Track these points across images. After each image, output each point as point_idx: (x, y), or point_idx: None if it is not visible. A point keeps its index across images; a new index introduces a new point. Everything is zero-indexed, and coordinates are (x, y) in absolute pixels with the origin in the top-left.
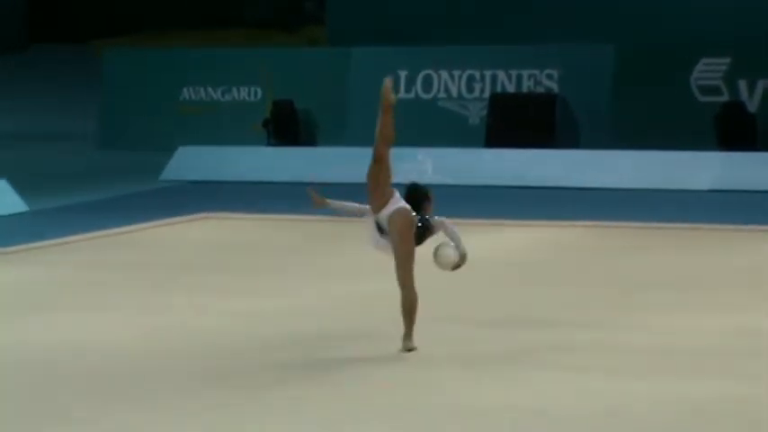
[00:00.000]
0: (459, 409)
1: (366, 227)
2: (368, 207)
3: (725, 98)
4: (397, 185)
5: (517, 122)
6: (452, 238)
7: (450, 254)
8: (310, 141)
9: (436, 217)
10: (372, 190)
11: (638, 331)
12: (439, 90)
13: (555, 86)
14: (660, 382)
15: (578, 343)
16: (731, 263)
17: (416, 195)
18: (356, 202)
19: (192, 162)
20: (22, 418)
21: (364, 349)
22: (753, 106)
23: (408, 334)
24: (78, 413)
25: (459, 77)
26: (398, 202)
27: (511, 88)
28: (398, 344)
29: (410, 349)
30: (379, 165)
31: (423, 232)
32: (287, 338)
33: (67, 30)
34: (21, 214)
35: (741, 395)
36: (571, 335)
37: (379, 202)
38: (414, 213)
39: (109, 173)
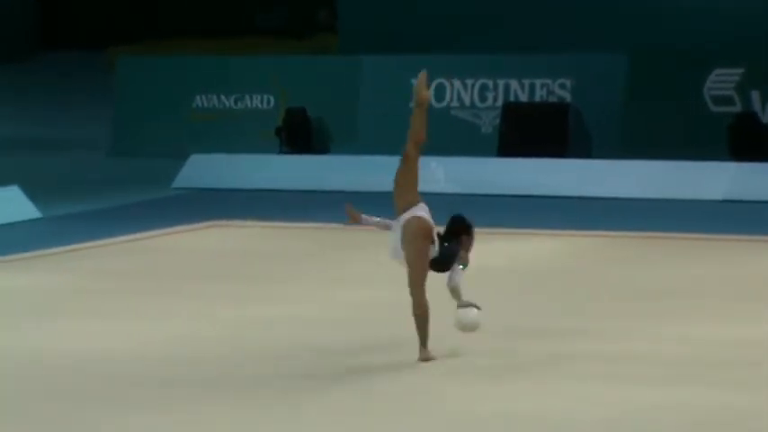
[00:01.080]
0: (461, 417)
1: (390, 237)
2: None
3: (738, 108)
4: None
5: (530, 132)
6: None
7: (472, 316)
8: (323, 149)
9: (460, 267)
10: (397, 192)
11: (646, 341)
12: (452, 99)
13: (568, 96)
14: (663, 391)
15: (584, 352)
16: (742, 273)
17: (457, 227)
18: (371, 211)
19: (205, 170)
20: (28, 422)
21: (374, 357)
22: (766, 117)
23: (422, 343)
24: (83, 418)
25: (472, 86)
26: (420, 211)
27: (524, 97)
28: (409, 353)
29: (426, 359)
30: (406, 164)
31: (444, 260)
32: (298, 347)
33: (81, 37)
34: (33, 221)
35: (743, 406)
36: (578, 344)
37: (400, 204)
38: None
39: (121, 180)
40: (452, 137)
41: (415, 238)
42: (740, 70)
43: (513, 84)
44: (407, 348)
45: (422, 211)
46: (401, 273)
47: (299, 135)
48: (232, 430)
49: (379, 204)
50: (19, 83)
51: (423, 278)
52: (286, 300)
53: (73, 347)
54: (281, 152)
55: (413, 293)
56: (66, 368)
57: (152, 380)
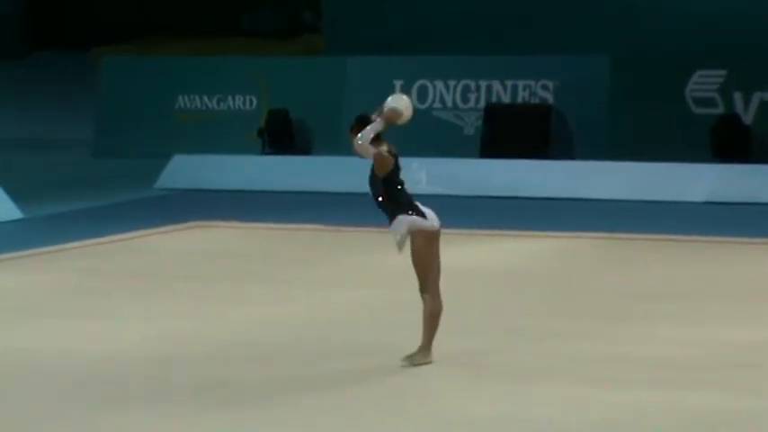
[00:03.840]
0: (454, 419)
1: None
2: None
3: (720, 110)
4: None
5: (512, 133)
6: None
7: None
8: (305, 150)
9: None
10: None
11: (634, 342)
12: (434, 100)
13: (550, 97)
14: (658, 393)
15: (575, 354)
16: (726, 275)
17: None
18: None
19: (187, 170)
20: (16, 422)
21: (364, 358)
22: (748, 118)
23: (426, 346)
24: (73, 417)
25: (455, 87)
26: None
27: (506, 99)
28: (400, 353)
29: (424, 362)
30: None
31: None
32: (282, 347)
33: (70, 37)
34: (15, 221)
35: (741, 408)
36: (568, 345)
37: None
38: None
39: (104, 180)
40: (434, 138)
41: (422, 247)
42: (723, 72)
43: (496, 85)
44: (395, 350)
45: (421, 217)
46: (388, 273)
47: (282, 136)
48: (218, 430)
49: (362, 205)
50: (4, 83)
51: (434, 275)
52: (270, 300)
53: (57, 347)
54: (264, 153)
55: (426, 295)
56: (50, 367)
57: (136, 379)
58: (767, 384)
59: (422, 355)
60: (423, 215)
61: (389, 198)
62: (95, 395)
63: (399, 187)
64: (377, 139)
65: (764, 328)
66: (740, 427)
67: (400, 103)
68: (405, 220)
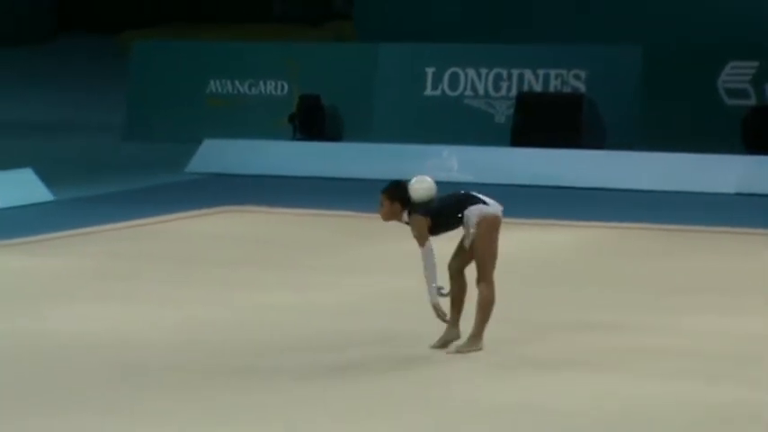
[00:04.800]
0: (479, 406)
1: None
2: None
3: (752, 102)
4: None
5: (543, 122)
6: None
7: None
8: (336, 137)
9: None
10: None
11: (662, 334)
12: (465, 88)
13: (582, 87)
14: (680, 385)
15: (599, 344)
16: (757, 267)
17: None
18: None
19: (218, 155)
20: (44, 405)
21: (389, 345)
22: None
23: (476, 334)
24: (101, 402)
25: (487, 76)
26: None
27: (538, 88)
28: (423, 341)
29: (476, 349)
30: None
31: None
32: (309, 333)
33: (96, 20)
34: (46, 204)
35: (762, 400)
36: (593, 336)
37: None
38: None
39: (134, 164)
40: (466, 126)
41: (484, 234)
42: (755, 63)
43: (528, 74)
44: (420, 339)
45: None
46: (414, 261)
47: (313, 122)
48: (247, 416)
49: None
50: (34, 66)
51: (491, 269)
52: (298, 286)
53: (81, 329)
54: (295, 139)
55: (483, 284)
56: (72, 351)
57: (161, 365)
58: None
59: (471, 344)
60: (484, 203)
61: (449, 224)
62: (116, 379)
63: (445, 214)
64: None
65: None
66: (758, 421)
67: (419, 193)
68: (473, 212)
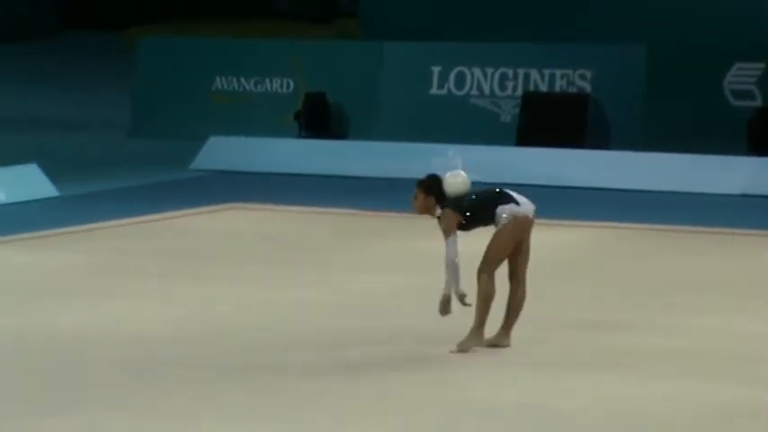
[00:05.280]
0: (481, 405)
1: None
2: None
3: (758, 103)
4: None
5: (549, 122)
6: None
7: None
8: (341, 134)
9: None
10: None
11: (663, 334)
12: (471, 87)
13: (587, 86)
14: (681, 384)
15: (601, 344)
16: (759, 267)
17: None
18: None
19: (223, 152)
20: (46, 402)
21: (391, 344)
22: None
23: (476, 329)
24: (102, 398)
25: (492, 75)
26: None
27: (543, 87)
28: (425, 340)
29: (476, 346)
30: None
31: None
32: (312, 331)
33: (100, 16)
34: (51, 199)
35: (762, 400)
36: (594, 336)
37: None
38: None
39: (139, 160)
40: (471, 125)
41: (503, 232)
42: (761, 65)
43: (533, 73)
44: (423, 337)
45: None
46: (416, 259)
47: (318, 120)
48: (248, 414)
49: (397, 191)
50: (39, 62)
51: (497, 264)
52: (302, 284)
53: (85, 324)
54: (300, 136)
55: (484, 276)
56: (76, 346)
57: (164, 361)
58: None
59: (471, 339)
60: (516, 203)
61: (480, 220)
62: (117, 375)
63: (477, 211)
64: (434, 204)
65: None
66: (760, 421)
67: (453, 187)
68: (505, 211)
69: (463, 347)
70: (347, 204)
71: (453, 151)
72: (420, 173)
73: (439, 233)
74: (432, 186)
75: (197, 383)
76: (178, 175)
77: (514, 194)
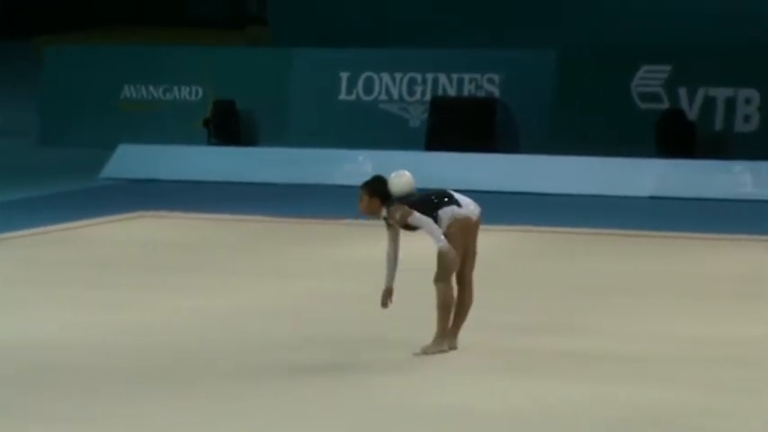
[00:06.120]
0: (400, 410)
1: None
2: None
3: (665, 105)
4: (344, 187)
5: (458, 126)
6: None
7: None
8: (251, 141)
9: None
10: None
11: (578, 335)
12: (380, 92)
13: (496, 91)
14: (607, 387)
15: (525, 347)
16: (670, 269)
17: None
18: (301, 203)
19: (133, 160)
20: None
21: (313, 348)
22: (692, 114)
23: (439, 335)
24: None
25: (401, 80)
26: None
27: (452, 92)
28: (341, 344)
29: (439, 352)
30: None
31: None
32: (233, 337)
33: (10, 26)
34: None
35: (675, 401)
36: (510, 337)
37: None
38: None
39: (49, 170)
40: (381, 130)
41: (456, 235)
42: (668, 67)
43: (442, 78)
44: (339, 341)
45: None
46: (334, 264)
47: (228, 127)
48: (161, 424)
49: (307, 196)
50: None
51: (452, 271)
52: (217, 290)
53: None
54: (210, 143)
55: (440, 284)
56: None
57: (79, 370)
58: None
59: (435, 345)
60: (458, 204)
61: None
62: (17, 382)
63: (420, 211)
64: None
65: (702, 323)
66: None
67: (398, 186)
68: (446, 213)
69: (426, 351)
70: (258, 211)
71: (363, 157)
72: (330, 179)
73: (353, 238)
74: (376, 188)
75: (102, 391)
76: (88, 184)
77: (458, 196)
